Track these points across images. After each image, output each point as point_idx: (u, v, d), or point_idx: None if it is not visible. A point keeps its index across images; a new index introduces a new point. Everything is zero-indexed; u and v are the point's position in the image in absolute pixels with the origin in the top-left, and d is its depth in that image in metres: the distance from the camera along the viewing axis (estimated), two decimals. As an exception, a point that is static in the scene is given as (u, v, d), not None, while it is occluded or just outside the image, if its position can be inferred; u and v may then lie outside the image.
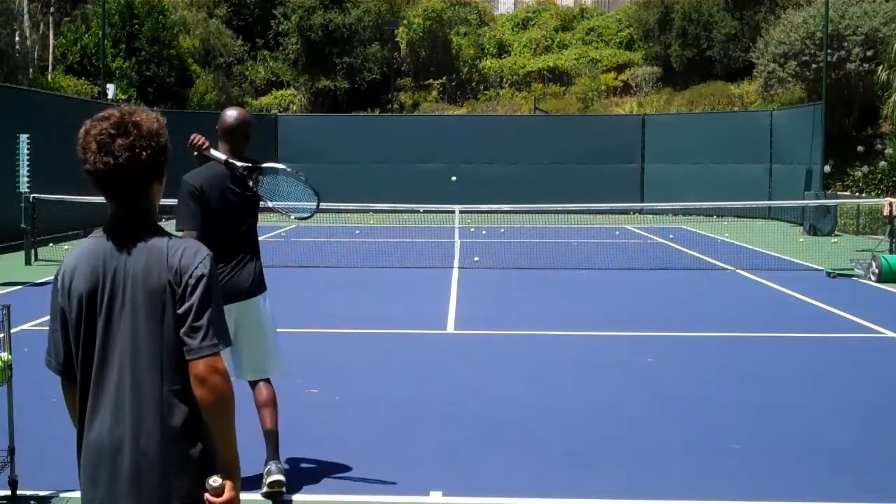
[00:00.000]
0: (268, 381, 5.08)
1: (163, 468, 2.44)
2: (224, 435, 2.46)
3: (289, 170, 5.00)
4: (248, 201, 4.98)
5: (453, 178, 24.80)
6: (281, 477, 4.84)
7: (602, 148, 28.36)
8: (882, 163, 24.45)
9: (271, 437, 4.95)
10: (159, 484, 2.44)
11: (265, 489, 4.83)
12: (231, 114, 5.00)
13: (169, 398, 2.44)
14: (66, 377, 2.56)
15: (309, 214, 5.18)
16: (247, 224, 5.03)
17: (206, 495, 2.44)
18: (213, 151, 4.87)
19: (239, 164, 4.87)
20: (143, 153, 2.41)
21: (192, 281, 2.41)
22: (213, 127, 5.01)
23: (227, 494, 2.44)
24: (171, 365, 2.44)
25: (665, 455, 5.59)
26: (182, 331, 2.41)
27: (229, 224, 4.85)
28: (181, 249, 2.45)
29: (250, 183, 4.89)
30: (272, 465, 4.86)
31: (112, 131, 2.40)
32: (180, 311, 2.41)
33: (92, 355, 2.46)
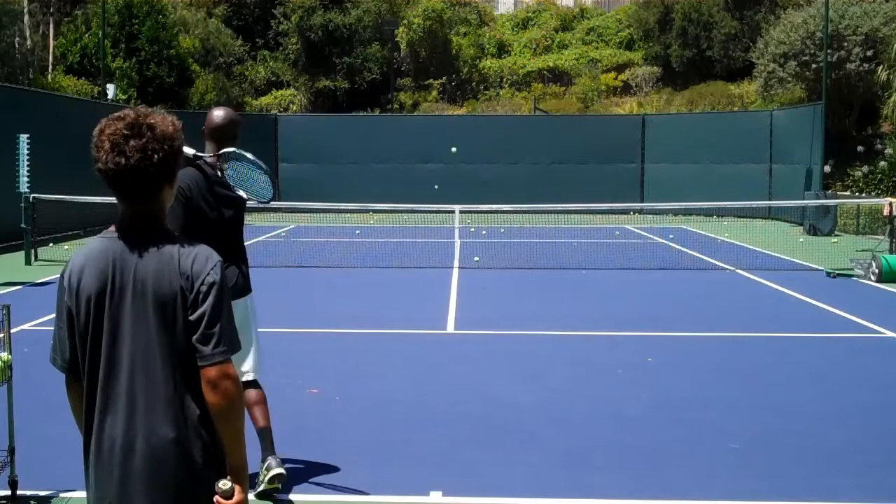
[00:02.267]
0: (255, 382, 4.99)
1: (175, 470, 2.46)
2: (234, 438, 2.48)
3: (248, 156, 4.92)
4: (232, 203, 4.94)
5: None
6: (282, 470, 4.82)
7: (602, 148, 28.36)
8: (882, 163, 24.45)
9: (266, 434, 4.91)
10: (171, 485, 2.46)
11: (264, 485, 4.80)
12: (218, 113, 4.98)
13: (181, 401, 2.46)
14: (70, 375, 2.57)
15: (267, 201, 5.02)
16: (230, 226, 4.98)
17: (216, 498, 2.46)
18: (184, 149, 4.76)
19: (206, 156, 4.85)
20: (156, 156, 2.42)
21: (203, 288, 2.43)
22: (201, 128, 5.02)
23: (236, 497, 2.46)
24: (183, 369, 2.46)
25: (665, 455, 5.59)
26: (194, 337, 2.43)
27: (212, 225, 4.77)
28: (193, 255, 2.46)
29: (219, 174, 4.80)
30: (271, 460, 4.84)
31: (126, 132, 2.42)
32: (192, 317, 2.43)
33: (100, 355, 2.48)
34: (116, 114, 2.49)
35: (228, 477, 2.48)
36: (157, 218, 2.52)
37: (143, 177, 2.43)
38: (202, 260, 2.46)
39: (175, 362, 2.45)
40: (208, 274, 2.44)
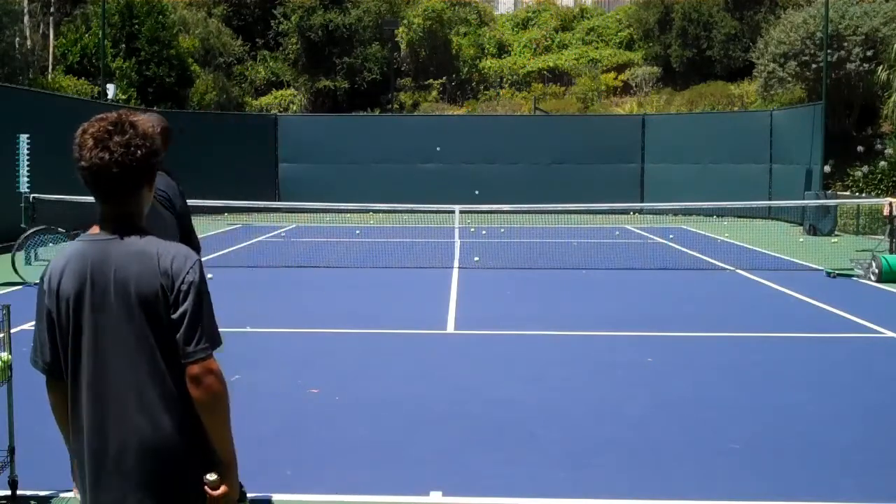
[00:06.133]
0: None
1: (167, 465, 2.50)
2: (220, 432, 2.54)
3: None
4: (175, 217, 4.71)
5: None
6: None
7: (602, 148, 28.37)
8: (882, 163, 24.45)
9: None
10: (163, 480, 2.50)
11: None
12: (152, 120, 4.68)
13: (171, 397, 2.51)
14: (51, 376, 2.60)
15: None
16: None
17: (206, 489, 2.53)
18: None
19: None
20: (139, 151, 2.48)
21: (184, 287, 2.48)
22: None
23: (223, 489, 2.54)
24: (169, 366, 2.50)
25: (665, 455, 5.59)
26: (177, 335, 2.47)
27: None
28: (172, 255, 2.51)
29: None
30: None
31: (110, 128, 2.47)
32: (174, 316, 2.48)
33: (81, 357, 2.50)
34: (99, 115, 2.55)
35: (216, 470, 2.55)
36: (136, 218, 2.56)
37: (126, 173, 2.47)
38: (181, 259, 2.51)
39: (162, 360, 2.49)
40: (188, 273, 2.49)
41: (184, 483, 2.52)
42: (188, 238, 4.50)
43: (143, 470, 2.48)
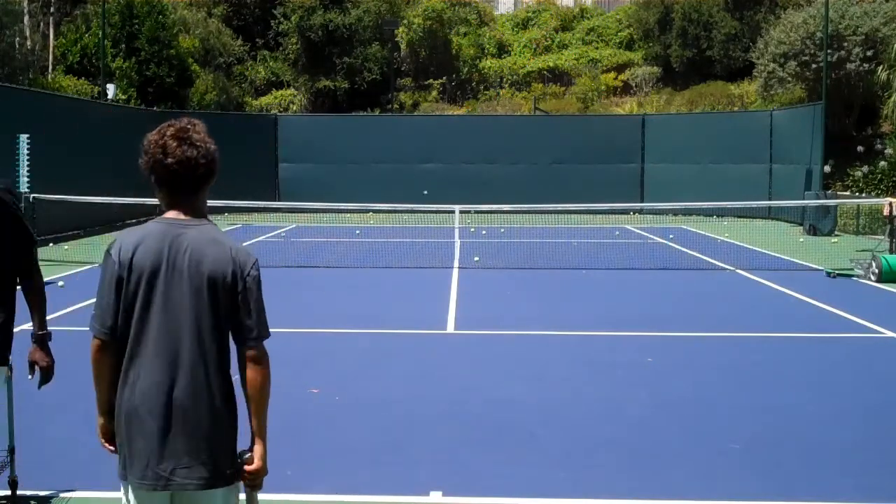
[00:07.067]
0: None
1: (221, 428, 2.83)
2: (262, 410, 2.85)
3: None
4: None
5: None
6: None
7: (602, 148, 28.35)
8: (882, 163, 24.45)
9: None
10: (219, 442, 2.82)
11: None
12: None
13: (225, 366, 2.86)
14: (106, 342, 2.86)
15: None
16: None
17: (246, 467, 2.87)
18: None
19: None
20: (212, 146, 2.88)
21: (249, 279, 2.85)
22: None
23: (257, 464, 2.85)
24: (220, 341, 2.84)
25: (665, 455, 5.59)
26: (246, 322, 2.83)
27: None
28: (239, 248, 2.89)
29: None
30: None
31: (189, 127, 2.85)
32: (240, 299, 2.83)
33: (148, 322, 2.81)
34: (163, 125, 2.85)
35: (250, 447, 2.87)
36: (203, 209, 2.92)
37: (209, 165, 2.84)
38: (245, 253, 2.89)
39: (218, 332, 2.83)
40: (252, 266, 2.87)
41: (230, 449, 2.84)
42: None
43: (199, 428, 2.78)
